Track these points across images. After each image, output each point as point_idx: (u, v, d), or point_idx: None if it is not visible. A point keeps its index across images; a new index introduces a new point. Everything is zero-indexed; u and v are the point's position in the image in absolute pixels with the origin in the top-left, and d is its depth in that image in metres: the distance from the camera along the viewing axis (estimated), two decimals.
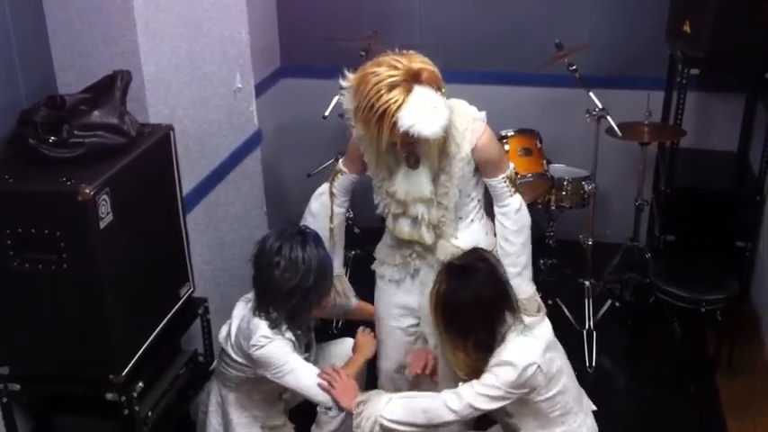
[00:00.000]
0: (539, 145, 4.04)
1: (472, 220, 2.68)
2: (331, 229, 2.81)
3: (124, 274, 2.41)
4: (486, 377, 2.44)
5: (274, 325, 2.57)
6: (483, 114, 2.58)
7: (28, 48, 2.57)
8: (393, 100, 2.33)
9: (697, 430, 3.45)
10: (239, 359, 2.64)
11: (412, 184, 2.58)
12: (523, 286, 2.67)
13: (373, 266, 2.87)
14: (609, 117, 3.79)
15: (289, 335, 2.60)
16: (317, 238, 2.62)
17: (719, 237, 4.05)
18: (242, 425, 2.76)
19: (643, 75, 4.41)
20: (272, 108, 4.67)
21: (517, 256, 2.65)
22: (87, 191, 2.22)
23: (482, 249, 2.58)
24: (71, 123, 2.38)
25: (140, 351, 2.53)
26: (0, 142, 2.45)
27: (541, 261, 4.32)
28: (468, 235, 2.67)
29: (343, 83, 2.46)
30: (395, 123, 2.34)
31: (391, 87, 2.33)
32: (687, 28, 3.86)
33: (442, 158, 2.54)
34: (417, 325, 2.81)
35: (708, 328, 3.89)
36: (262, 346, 2.54)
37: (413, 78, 2.35)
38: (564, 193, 4.11)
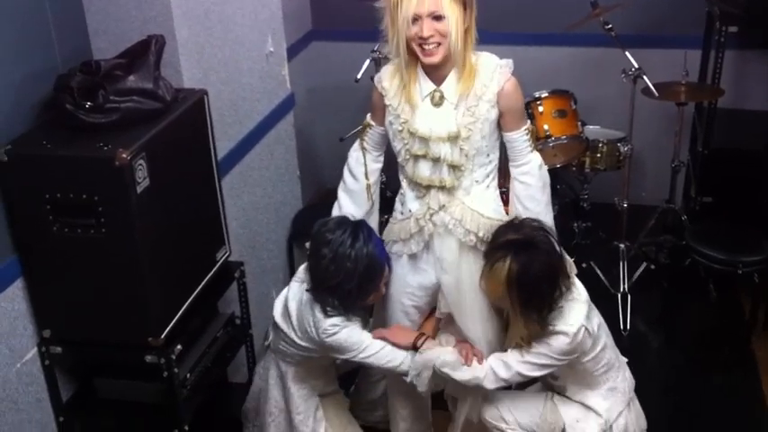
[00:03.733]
0: (573, 106, 3.99)
1: (488, 186, 2.63)
2: (368, 186, 2.76)
3: (161, 238, 2.43)
4: (539, 347, 2.48)
5: (338, 312, 2.56)
6: (510, 62, 2.55)
7: (62, 13, 2.57)
8: None
9: (733, 392, 3.43)
10: (304, 343, 2.63)
11: (436, 120, 2.53)
12: None
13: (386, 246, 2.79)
14: (645, 77, 3.73)
15: (354, 318, 2.61)
16: (369, 235, 2.57)
17: (757, 198, 3.98)
18: (301, 396, 2.79)
19: (680, 33, 4.33)
20: (304, 72, 4.65)
21: (543, 215, 2.62)
22: (124, 155, 2.23)
23: (523, 219, 2.56)
24: (107, 89, 2.39)
25: (178, 314, 2.56)
26: (37, 108, 2.47)
27: (575, 224, 4.29)
28: (483, 198, 2.62)
29: None
30: None
31: None
32: None
33: (469, 97, 2.50)
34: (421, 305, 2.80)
35: (743, 290, 3.85)
36: (333, 334, 2.54)
37: None
38: (599, 155, 4.07)
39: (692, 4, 4.18)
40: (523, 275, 2.40)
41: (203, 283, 2.72)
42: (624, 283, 3.87)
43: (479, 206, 2.60)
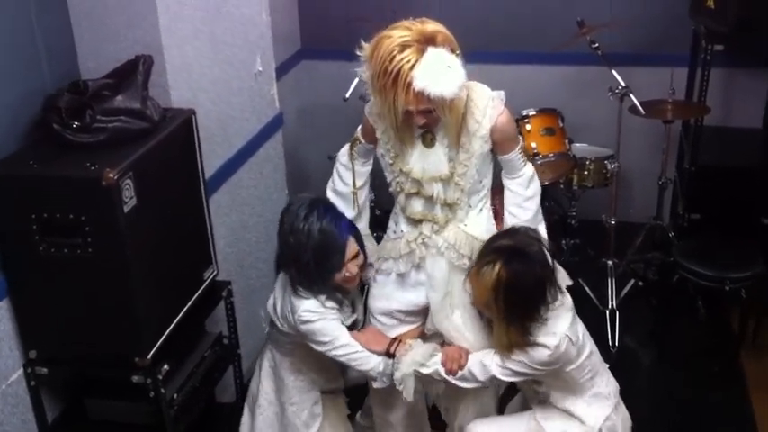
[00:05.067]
0: (560, 124, 4.02)
1: (481, 210, 2.65)
2: (354, 193, 2.73)
3: (149, 257, 2.43)
4: (519, 355, 2.46)
5: (310, 294, 2.56)
6: (502, 93, 2.55)
7: (51, 34, 2.58)
8: (406, 60, 2.27)
9: (722, 409, 3.43)
10: (286, 330, 2.65)
11: (429, 162, 2.54)
12: None
13: (375, 264, 2.78)
14: (632, 95, 3.75)
15: (330, 304, 2.60)
16: (325, 210, 2.56)
17: (744, 215, 4.01)
18: (297, 388, 2.77)
19: (666, 51, 4.36)
20: (293, 90, 4.67)
21: (533, 223, 2.64)
22: (111, 175, 2.23)
23: (519, 228, 2.55)
24: (94, 108, 2.40)
25: (165, 334, 2.55)
26: (25, 128, 2.47)
27: (564, 241, 4.31)
28: (477, 222, 2.64)
29: (359, 52, 2.40)
30: (409, 84, 2.28)
31: (404, 48, 2.28)
32: (711, 3, 3.81)
33: (461, 135, 2.50)
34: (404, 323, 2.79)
35: (732, 306, 3.86)
36: (308, 321, 2.55)
37: (426, 40, 2.30)
38: (586, 172, 4.09)
39: (678, 23, 4.22)
40: (512, 284, 2.37)
41: (191, 302, 2.72)
42: (612, 300, 3.88)
43: (473, 230, 2.61)
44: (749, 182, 4.01)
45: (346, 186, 2.73)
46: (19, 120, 2.45)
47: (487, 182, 2.63)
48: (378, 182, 2.81)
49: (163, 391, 2.52)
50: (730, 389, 3.53)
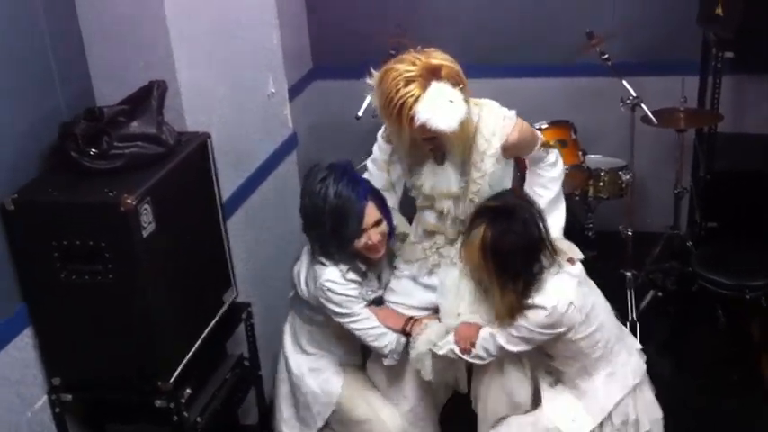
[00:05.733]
0: (573, 136, 4.02)
1: None
2: (386, 162, 2.75)
3: (168, 281, 2.43)
4: (519, 320, 2.46)
5: (330, 262, 2.57)
6: (513, 113, 2.58)
7: (65, 61, 2.60)
8: (410, 94, 2.34)
9: (743, 419, 3.40)
10: (307, 298, 2.67)
11: (438, 180, 2.58)
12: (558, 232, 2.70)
13: (394, 264, 2.83)
14: (643, 105, 3.75)
15: (351, 276, 2.61)
16: (341, 174, 2.54)
17: (762, 221, 3.98)
18: (317, 356, 2.79)
19: (676, 60, 4.36)
20: (306, 110, 4.69)
21: (553, 202, 2.69)
22: (129, 201, 2.24)
23: (510, 189, 2.58)
24: (111, 135, 2.41)
25: (187, 357, 2.56)
26: (42, 155, 2.49)
27: None
28: None
29: (369, 81, 2.48)
30: (412, 118, 2.35)
31: (408, 82, 2.35)
32: (719, 10, 3.81)
33: (472, 154, 2.54)
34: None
35: (752, 314, 3.83)
36: (326, 290, 2.57)
37: (430, 74, 2.36)
38: (601, 183, 4.08)
39: (687, 31, 4.22)
40: (497, 243, 2.39)
41: (211, 325, 2.72)
42: (633, 312, 3.86)
43: None
44: (765, 188, 3.98)
45: (383, 154, 2.74)
46: (35, 147, 2.46)
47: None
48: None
49: (186, 414, 2.52)
50: (751, 397, 3.49)
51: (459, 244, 2.63)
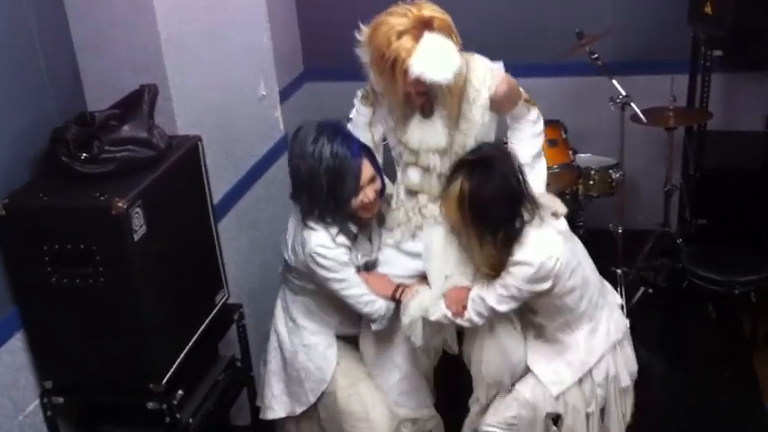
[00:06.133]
0: (564, 135, 4.04)
1: None
2: (370, 124, 2.74)
3: (160, 284, 2.45)
4: (505, 278, 2.45)
5: (322, 226, 2.53)
6: (500, 64, 2.59)
7: (56, 66, 2.61)
8: (403, 47, 2.32)
9: (736, 414, 3.43)
10: (295, 265, 2.65)
11: (426, 133, 2.55)
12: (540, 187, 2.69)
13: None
14: (633, 104, 3.77)
15: (342, 239, 2.57)
16: (334, 132, 2.49)
17: (751, 218, 4.01)
18: (310, 330, 2.75)
19: (666, 58, 4.38)
20: (298, 113, 4.68)
21: (535, 158, 2.68)
22: (120, 204, 2.25)
23: (489, 142, 2.57)
24: (102, 139, 2.42)
25: (179, 359, 2.56)
26: (33, 160, 2.50)
27: None
28: None
29: (358, 35, 2.46)
30: (406, 71, 2.33)
31: (400, 35, 2.33)
32: (709, 9, 3.83)
33: (462, 104, 2.52)
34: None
35: (743, 311, 3.86)
36: (316, 255, 2.53)
37: (423, 25, 2.34)
38: (591, 182, 4.10)
39: (676, 30, 4.23)
40: (475, 194, 2.37)
41: (203, 327, 2.73)
42: (623, 309, 3.87)
43: None
44: (754, 185, 4.02)
45: (363, 117, 2.74)
46: (26, 152, 2.47)
47: None
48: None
49: (178, 416, 2.53)
50: (743, 392, 3.53)
51: None
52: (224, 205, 3.07)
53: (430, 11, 2.38)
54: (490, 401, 2.72)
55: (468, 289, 2.57)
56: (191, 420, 2.64)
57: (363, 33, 2.44)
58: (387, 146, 2.79)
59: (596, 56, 3.82)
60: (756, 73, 4.31)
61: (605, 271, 4.04)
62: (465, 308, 2.54)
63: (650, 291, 4.11)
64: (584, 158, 4.24)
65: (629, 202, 4.29)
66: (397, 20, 2.35)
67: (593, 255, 4.26)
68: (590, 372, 2.59)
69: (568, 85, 4.56)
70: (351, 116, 2.79)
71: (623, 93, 3.79)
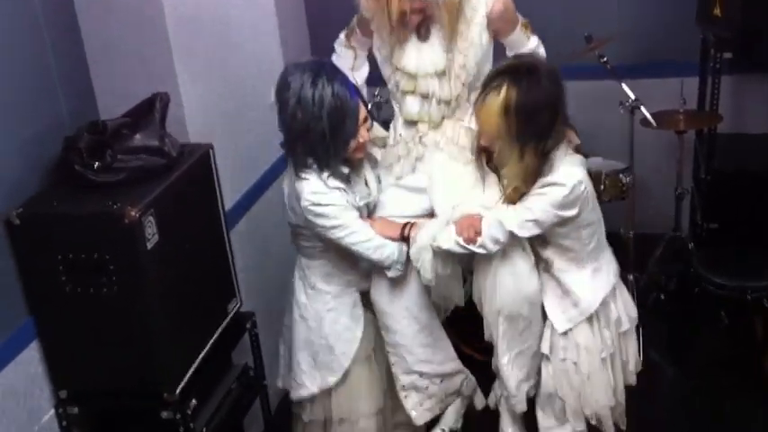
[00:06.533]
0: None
1: None
2: (351, 69, 2.75)
3: (172, 292, 2.44)
4: (533, 200, 2.42)
5: (317, 174, 2.45)
6: None
7: (69, 74, 2.62)
8: None
9: (748, 419, 3.40)
10: (295, 222, 2.60)
11: (423, 56, 2.52)
12: None
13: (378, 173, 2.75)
14: (642, 107, 3.76)
15: (334, 182, 2.49)
16: (332, 73, 2.41)
17: (763, 221, 3.99)
18: (333, 293, 2.68)
19: (675, 61, 4.37)
20: None
21: None
22: (133, 213, 2.25)
23: (524, 53, 2.57)
24: (114, 148, 2.42)
25: (192, 368, 2.56)
26: (46, 168, 2.50)
27: None
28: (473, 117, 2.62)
29: None
30: None
31: None
32: (718, 11, 3.82)
33: (460, 24, 2.48)
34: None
35: (756, 315, 3.84)
36: (313, 205, 2.46)
37: None
38: (602, 186, 4.07)
39: (685, 32, 4.22)
40: (523, 98, 2.32)
41: (216, 335, 2.73)
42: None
43: (472, 122, 2.58)
44: (766, 188, 3.99)
45: (346, 61, 2.74)
46: (39, 160, 2.47)
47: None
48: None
49: (192, 425, 2.53)
50: (755, 399, 3.50)
51: (443, 128, 2.59)
52: (236, 213, 3.07)
53: None
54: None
55: (479, 215, 2.48)
56: (204, 430, 2.64)
57: None
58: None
59: (605, 59, 3.81)
60: (766, 75, 4.29)
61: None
62: (478, 233, 2.45)
63: (662, 296, 4.10)
64: (594, 162, 4.21)
65: (639, 206, 4.27)
66: None
67: None
68: (596, 313, 2.58)
69: (577, 89, 4.47)
70: (333, 60, 2.75)
71: (633, 96, 3.77)
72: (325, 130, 2.38)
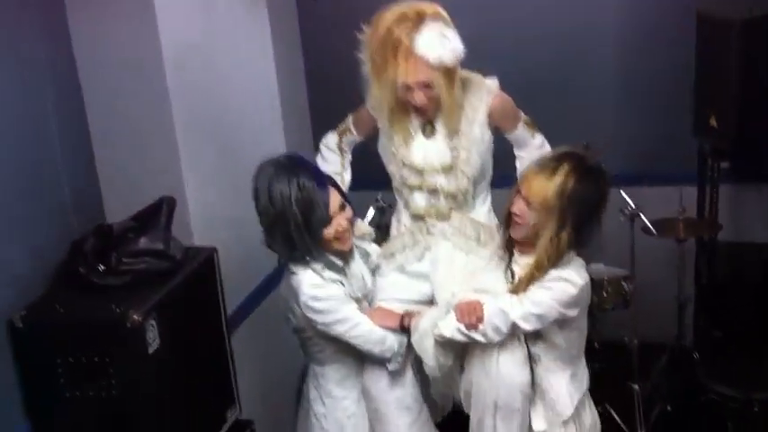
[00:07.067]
0: None
1: (484, 200, 2.74)
2: (339, 174, 2.81)
3: (171, 397, 2.42)
4: (540, 294, 2.43)
5: (303, 264, 2.48)
6: (495, 79, 2.65)
7: (78, 180, 2.68)
8: (404, 32, 2.38)
9: None
10: (296, 324, 2.59)
11: (429, 151, 2.59)
12: None
13: (379, 262, 2.77)
14: (642, 215, 3.80)
15: (329, 274, 2.51)
16: (299, 166, 2.47)
17: (767, 330, 3.97)
18: (351, 399, 2.67)
19: (673, 170, 4.42)
20: None
21: None
22: (136, 317, 2.26)
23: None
24: (119, 251, 2.45)
25: None
26: (52, 271, 2.52)
27: (588, 365, 4.24)
28: (481, 211, 2.72)
29: (360, 36, 2.50)
30: (409, 52, 2.37)
31: (401, 20, 2.39)
32: (713, 122, 3.90)
33: (462, 124, 2.57)
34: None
35: (763, 426, 3.77)
36: (311, 299, 2.47)
37: (423, 14, 2.41)
38: (605, 293, 4.07)
39: (683, 142, 4.28)
40: (579, 189, 2.40)
41: None
42: (641, 427, 3.79)
43: (478, 216, 2.68)
44: None
45: (333, 167, 2.80)
46: (46, 263, 2.50)
47: (489, 173, 2.73)
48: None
49: None
50: None
51: (451, 219, 2.65)
52: (237, 316, 3.07)
53: (427, 4, 2.47)
54: None
55: (479, 302, 2.48)
56: None
57: (365, 32, 2.49)
58: None
59: (604, 167, 3.86)
60: (764, 183, 4.35)
61: (622, 386, 4.01)
62: (480, 319, 2.45)
63: (668, 407, 4.02)
64: (595, 269, 4.21)
65: (642, 313, 4.25)
66: (399, 9, 2.43)
67: (608, 368, 4.24)
68: (572, 418, 2.58)
69: None
70: (327, 141, 2.88)
71: (632, 204, 3.82)
72: (298, 219, 2.43)
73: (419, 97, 2.48)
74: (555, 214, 2.42)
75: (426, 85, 2.46)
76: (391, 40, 2.39)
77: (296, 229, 2.44)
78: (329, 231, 2.49)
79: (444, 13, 2.48)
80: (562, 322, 2.50)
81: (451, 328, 2.47)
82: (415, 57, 2.39)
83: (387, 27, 2.41)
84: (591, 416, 2.69)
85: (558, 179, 2.41)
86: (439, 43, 2.39)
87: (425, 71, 2.41)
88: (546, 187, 2.42)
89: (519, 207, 2.48)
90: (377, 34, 2.43)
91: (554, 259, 2.45)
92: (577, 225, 2.43)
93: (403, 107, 2.56)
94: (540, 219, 2.46)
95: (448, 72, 2.46)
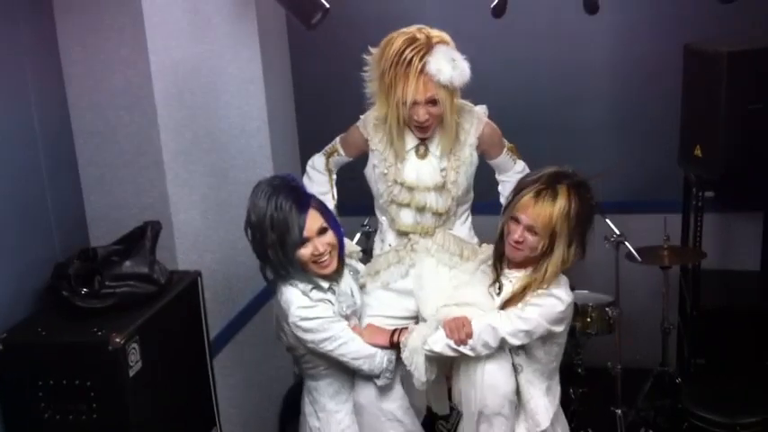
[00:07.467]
0: None
1: (465, 220, 2.86)
2: (326, 194, 2.90)
3: (152, 420, 2.42)
4: (530, 310, 2.49)
5: (287, 282, 2.52)
6: (485, 107, 2.80)
7: (63, 203, 2.69)
8: (417, 51, 2.51)
9: None
10: (286, 341, 2.62)
11: (422, 171, 2.71)
12: None
13: (364, 280, 2.82)
14: (627, 243, 3.83)
15: (316, 294, 2.53)
16: (280, 186, 2.50)
17: (750, 357, 3.99)
18: (345, 411, 2.70)
19: (658, 198, 4.47)
20: None
21: None
22: (117, 340, 2.27)
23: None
24: (103, 274, 2.46)
25: None
26: (35, 294, 2.53)
27: (571, 390, 4.26)
28: (461, 229, 2.84)
29: (367, 56, 2.62)
30: (421, 71, 2.50)
31: (412, 42, 2.52)
32: (698, 152, 3.94)
33: (454, 145, 2.70)
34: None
35: None
36: (300, 319, 2.49)
37: (431, 39, 2.55)
38: (589, 319, 4.09)
39: (668, 171, 4.34)
40: (580, 207, 2.49)
41: None
42: None
43: (459, 233, 2.81)
44: (752, 325, 4.01)
45: (321, 187, 2.88)
46: (29, 287, 2.51)
47: (471, 195, 2.85)
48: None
49: None
50: None
51: (435, 235, 2.76)
52: (220, 340, 3.08)
53: (437, 31, 2.60)
54: None
55: (466, 318, 2.52)
56: None
57: (373, 53, 2.60)
58: None
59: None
60: (749, 213, 4.39)
61: (605, 411, 4.02)
62: (469, 335, 2.49)
63: None
64: (580, 295, 4.24)
65: (627, 340, 4.27)
66: (408, 31, 2.56)
67: (592, 393, 4.25)
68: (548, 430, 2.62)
69: None
70: (314, 163, 2.96)
71: (617, 232, 3.85)
72: (273, 238, 2.48)
73: (423, 115, 2.60)
74: (564, 236, 2.51)
75: (433, 102, 2.59)
76: (404, 58, 2.52)
77: (271, 246, 2.49)
78: (304, 253, 2.50)
79: (450, 39, 2.61)
80: (546, 337, 2.56)
81: (441, 343, 2.52)
82: (425, 76, 2.53)
83: (398, 48, 2.53)
84: (564, 430, 2.74)
85: (562, 202, 2.49)
86: (449, 65, 2.53)
87: (434, 88, 2.55)
88: (551, 213, 2.48)
89: (521, 235, 2.52)
90: (390, 53, 2.55)
91: (551, 274, 2.54)
92: (581, 238, 2.55)
93: (403, 128, 2.68)
94: (548, 242, 2.53)
95: (451, 93, 2.60)
